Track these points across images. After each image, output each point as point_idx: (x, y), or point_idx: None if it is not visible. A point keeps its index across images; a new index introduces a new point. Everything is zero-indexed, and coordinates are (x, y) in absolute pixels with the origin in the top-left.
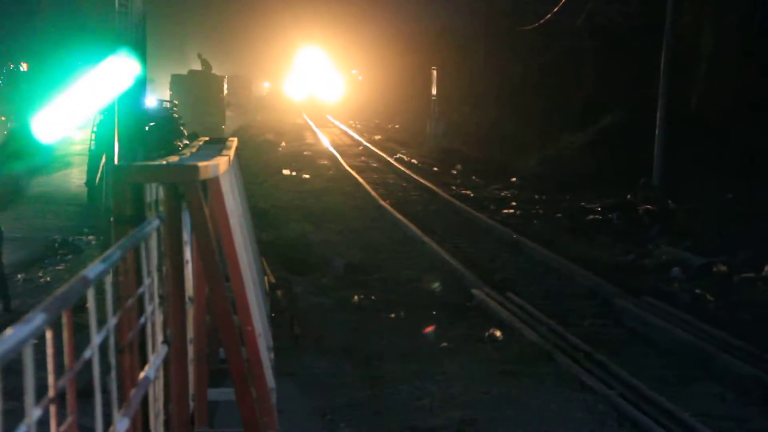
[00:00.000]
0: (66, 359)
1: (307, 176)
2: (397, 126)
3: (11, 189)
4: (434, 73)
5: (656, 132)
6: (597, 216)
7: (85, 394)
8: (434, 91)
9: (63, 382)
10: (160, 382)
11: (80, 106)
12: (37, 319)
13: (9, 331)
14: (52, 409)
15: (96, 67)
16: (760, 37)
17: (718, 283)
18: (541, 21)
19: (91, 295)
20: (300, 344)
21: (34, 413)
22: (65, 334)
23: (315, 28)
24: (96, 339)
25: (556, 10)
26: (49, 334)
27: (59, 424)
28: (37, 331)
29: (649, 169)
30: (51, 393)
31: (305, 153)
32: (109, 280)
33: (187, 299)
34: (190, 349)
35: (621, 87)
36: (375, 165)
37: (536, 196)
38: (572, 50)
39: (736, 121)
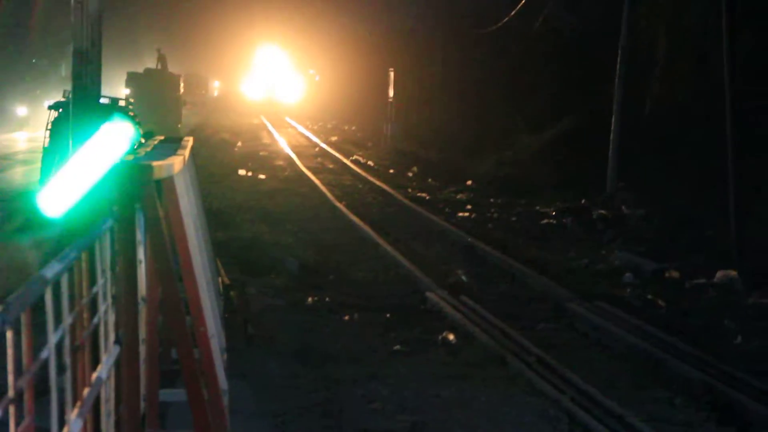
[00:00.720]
0: (24, 360)
1: (262, 177)
2: (354, 127)
3: None
4: (391, 74)
5: (611, 137)
6: (551, 220)
7: (40, 393)
8: (391, 93)
9: (22, 382)
10: (112, 383)
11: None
12: None
13: None
14: (11, 409)
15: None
16: (715, 42)
17: (670, 289)
18: (499, 24)
19: (48, 294)
20: (253, 345)
21: None
22: (24, 335)
23: (273, 26)
24: (53, 339)
25: (513, 14)
26: (9, 335)
27: (17, 424)
28: None
29: (604, 173)
30: (11, 393)
31: (261, 153)
32: (65, 280)
33: (139, 299)
34: (142, 350)
35: (578, 91)
36: (331, 166)
37: (492, 200)
38: (530, 54)
39: (691, 126)
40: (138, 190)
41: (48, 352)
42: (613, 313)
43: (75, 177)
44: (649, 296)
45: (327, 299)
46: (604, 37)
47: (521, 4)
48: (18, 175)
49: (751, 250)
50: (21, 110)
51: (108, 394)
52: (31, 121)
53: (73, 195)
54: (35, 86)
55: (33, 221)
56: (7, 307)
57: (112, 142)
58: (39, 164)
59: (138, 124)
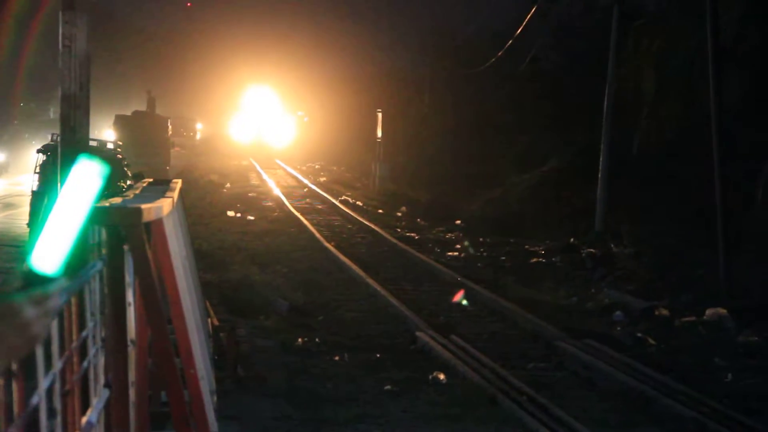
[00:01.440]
0: (15, 407)
1: (251, 218)
2: (342, 168)
3: None
4: (379, 115)
5: (599, 176)
6: (541, 259)
7: None
8: (379, 134)
9: (13, 429)
10: (101, 427)
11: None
12: None
13: None
14: None
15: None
16: (701, 83)
17: (659, 327)
18: (486, 65)
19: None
20: (244, 387)
21: None
22: (16, 383)
23: (261, 68)
24: (43, 385)
25: (500, 54)
26: (0, 382)
27: None
28: None
29: (592, 212)
30: None
31: (250, 194)
32: (54, 324)
33: (129, 342)
34: (132, 393)
35: (566, 130)
36: (320, 207)
37: (480, 239)
38: (518, 94)
39: (679, 164)
40: (127, 233)
41: (38, 398)
42: (603, 351)
43: (62, 226)
44: (639, 334)
45: (317, 339)
46: (592, 77)
47: (508, 44)
48: (3, 218)
49: (740, 288)
50: None
51: None
52: (11, 167)
53: (65, 245)
54: (23, 129)
55: (32, 279)
56: None
57: (86, 183)
58: (21, 208)
59: (127, 166)
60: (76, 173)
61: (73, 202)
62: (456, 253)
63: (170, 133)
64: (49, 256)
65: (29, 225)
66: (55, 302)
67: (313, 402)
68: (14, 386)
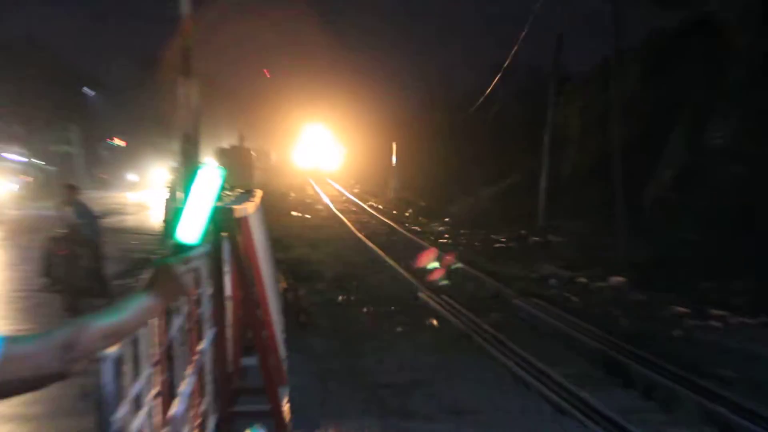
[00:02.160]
0: (158, 337)
1: (308, 216)
2: (370, 183)
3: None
4: (393, 146)
5: (540, 188)
6: (501, 245)
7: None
8: (394, 160)
9: (160, 350)
10: (210, 353)
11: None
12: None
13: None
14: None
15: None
16: (608, 127)
17: (579, 289)
18: (467, 113)
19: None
20: (303, 329)
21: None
22: (161, 320)
23: (316, 111)
24: (176, 323)
25: (475, 107)
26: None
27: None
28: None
29: (536, 213)
30: (156, 358)
31: (307, 201)
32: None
33: (226, 297)
34: (228, 331)
35: (520, 157)
36: (354, 209)
37: (461, 231)
38: (487, 133)
39: (595, 181)
40: (225, 226)
41: (174, 332)
42: (542, 305)
43: (194, 217)
44: (566, 294)
45: (351, 297)
46: (537, 122)
47: (480, 100)
48: (142, 217)
49: (633, 264)
50: (132, 177)
51: (208, 361)
52: (140, 184)
53: (199, 228)
54: (150, 157)
55: (179, 247)
56: None
57: (207, 185)
58: (149, 210)
59: (225, 181)
60: (197, 184)
61: (199, 202)
62: (445, 240)
63: (253, 159)
64: (187, 235)
65: (164, 221)
66: (193, 266)
67: (348, 338)
68: (159, 323)
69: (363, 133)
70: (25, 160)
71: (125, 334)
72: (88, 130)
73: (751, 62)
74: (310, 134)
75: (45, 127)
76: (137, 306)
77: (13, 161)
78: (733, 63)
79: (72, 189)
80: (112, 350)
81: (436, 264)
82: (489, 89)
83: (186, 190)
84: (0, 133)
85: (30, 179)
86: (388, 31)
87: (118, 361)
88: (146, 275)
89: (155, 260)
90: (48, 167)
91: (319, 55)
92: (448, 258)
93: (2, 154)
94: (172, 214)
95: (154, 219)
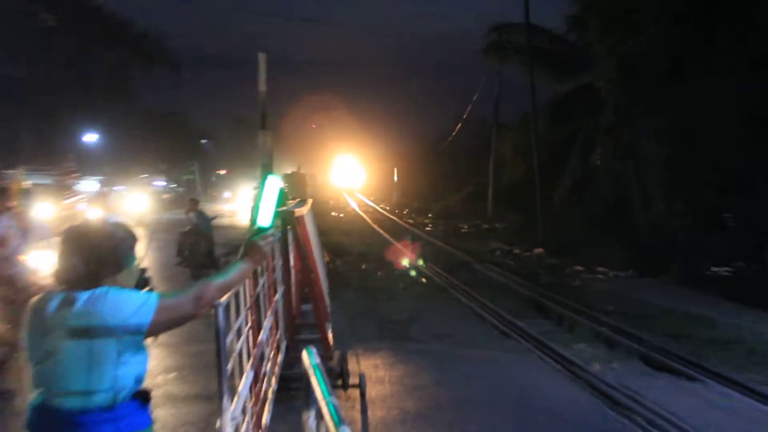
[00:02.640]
0: (249, 290)
1: (342, 215)
2: (382, 194)
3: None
4: (395, 170)
5: (489, 194)
6: (465, 230)
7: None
8: (395, 178)
9: (250, 299)
10: (282, 302)
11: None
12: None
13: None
14: (249, 312)
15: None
16: (532, 153)
17: (515, 257)
18: (440, 147)
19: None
20: (339, 286)
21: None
22: (252, 280)
23: (347, 143)
24: (260, 282)
25: (446, 144)
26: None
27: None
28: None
29: (486, 209)
30: (251, 302)
31: (341, 206)
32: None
33: (291, 267)
34: (293, 290)
35: (474, 175)
36: (371, 210)
37: (439, 222)
38: (456, 160)
39: (525, 187)
40: (289, 221)
41: (260, 287)
42: (492, 268)
43: (267, 209)
44: (507, 260)
45: (371, 266)
46: (485, 152)
47: (449, 139)
48: (235, 219)
49: (548, 240)
50: (227, 194)
51: (280, 306)
52: (232, 199)
53: (269, 217)
54: (244, 181)
55: (260, 230)
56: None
57: (274, 191)
58: (239, 214)
59: (286, 192)
60: (267, 189)
61: (270, 199)
62: (429, 228)
63: (307, 180)
64: (263, 221)
65: (250, 220)
66: (270, 241)
67: (369, 291)
68: (250, 282)
69: (378, 160)
70: (165, 184)
71: (231, 288)
72: (204, 165)
73: (615, 110)
74: (342, 162)
75: (179, 164)
76: (238, 270)
77: (158, 186)
78: (604, 112)
79: (194, 202)
80: (224, 299)
81: (419, 244)
82: (454, 132)
83: (260, 195)
84: (152, 169)
85: (167, 196)
86: (392, 90)
87: (227, 307)
88: (241, 249)
89: (246, 239)
90: (179, 189)
91: (347, 110)
92: (430, 239)
93: (153, 182)
94: (254, 213)
95: (243, 219)
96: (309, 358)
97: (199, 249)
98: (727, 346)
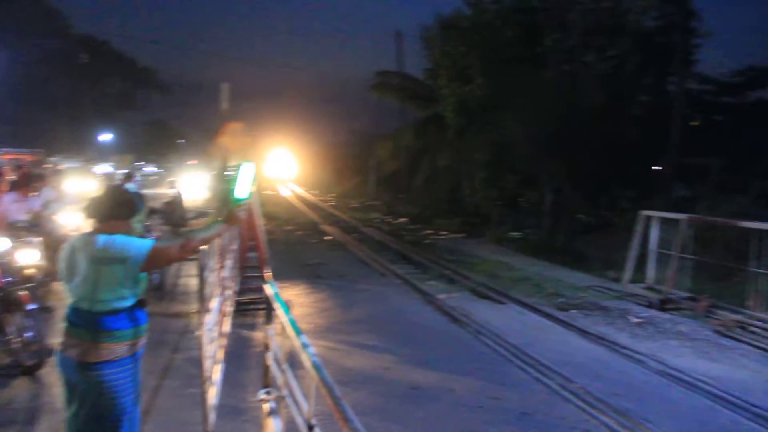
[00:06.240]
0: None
1: (273, 194)
2: (304, 183)
3: None
4: (308, 165)
5: (370, 183)
6: (355, 206)
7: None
8: (293, 168)
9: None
10: (237, 251)
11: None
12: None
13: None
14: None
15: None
16: (399, 157)
17: (388, 224)
18: (338, 150)
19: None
20: (272, 242)
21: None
22: (221, 239)
23: (281, 141)
24: (226, 236)
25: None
26: (226, 237)
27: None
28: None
29: (368, 193)
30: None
31: (274, 189)
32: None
33: (243, 228)
34: (240, 249)
35: (359, 170)
36: (297, 192)
37: (338, 200)
38: (343, 157)
39: (391, 181)
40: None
41: (225, 240)
42: (373, 231)
43: (243, 185)
44: (383, 226)
45: (293, 227)
46: (370, 151)
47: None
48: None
49: (411, 214)
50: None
51: (236, 253)
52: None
53: (245, 191)
54: (206, 169)
55: (236, 200)
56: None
57: (250, 173)
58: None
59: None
60: (244, 172)
61: (245, 179)
62: (332, 204)
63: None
64: (240, 194)
65: (224, 194)
66: (244, 209)
67: (291, 245)
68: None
69: (303, 158)
70: (155, 169)
71: (210, 241)
72: (181, 157)
73: (455, 131)
74: (274, 157)
75: (164, 155)
76: (217, 228)
77: (150, 170)
78: (447, 131)
79: (173, 182)
80: (204, 247)
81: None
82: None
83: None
84: (145, 159)
85: (155, 178)
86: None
87: (207, 252)
88: (220, 213)
89: (226, 205)
90: (163, 172)
91: (278, 123)
92: (332, 211)
93: (145, 168)
94: (220, 192)
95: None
96: (272, 289)
97: (176, 213)
98: (522, 282)
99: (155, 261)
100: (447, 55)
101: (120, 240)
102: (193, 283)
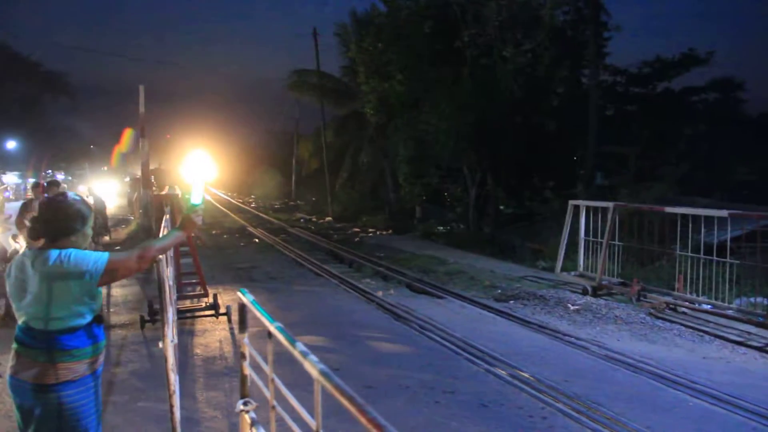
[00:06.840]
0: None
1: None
2: (223, 185)
3: None
4: (226, 166)
5: (293, 183)
6: (278, 206)
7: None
8: (213, 172)
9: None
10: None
11: None
12: None
13: None
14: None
15: None
16: (325, 154)
17: (314, 223)
18: (260, 152)
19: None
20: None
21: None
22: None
23: (203, 138)
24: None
25: (258, 147)
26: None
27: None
28: None
29: (291, 193)
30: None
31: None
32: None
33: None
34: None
35: (281, 169)
36: (215, 196)
37: (259, 201)
38: (264, 159)
39: (317, 177)
40: (171, 200)
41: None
42: (300, 230)
43: (198, 192)
44: (309, 225)
45: (219, 231)
46: (290, 151)
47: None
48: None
49: (336, 212)
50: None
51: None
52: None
53: (200, 197)
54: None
55: (192, 206)
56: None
57: (203, 179)
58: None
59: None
60: (197, 178)
61: (199, 186)
62: (254, 205)
63: (166, 175)
64: (196, 200)
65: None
66: (198, 214)
67: (221, 249)
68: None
69: (222, 161)
70: (64, 177)
71: (167, 250)
72: (93, 163)
73: (375, 127)
74: (192, 159)
75: (74, 162)
76: (174, 236)
77: (59, 178)
78: (368, 128)
79: (90, 188)
80: (161, 257)
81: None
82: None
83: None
84: (54, 166)
85: (65, 185)
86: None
87: (164, 260)
88: (179, 221)
89: (184, 212)
90: (73, 180)
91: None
92: (255, 213)
93: (56, 175)
94: (142, 204)
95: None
96: (245, 297)
97: (97, 221)
98: (457, 275)
99: (113, 274)
100: (364, 52)
101: (75, 254)
102: (121, 293)
